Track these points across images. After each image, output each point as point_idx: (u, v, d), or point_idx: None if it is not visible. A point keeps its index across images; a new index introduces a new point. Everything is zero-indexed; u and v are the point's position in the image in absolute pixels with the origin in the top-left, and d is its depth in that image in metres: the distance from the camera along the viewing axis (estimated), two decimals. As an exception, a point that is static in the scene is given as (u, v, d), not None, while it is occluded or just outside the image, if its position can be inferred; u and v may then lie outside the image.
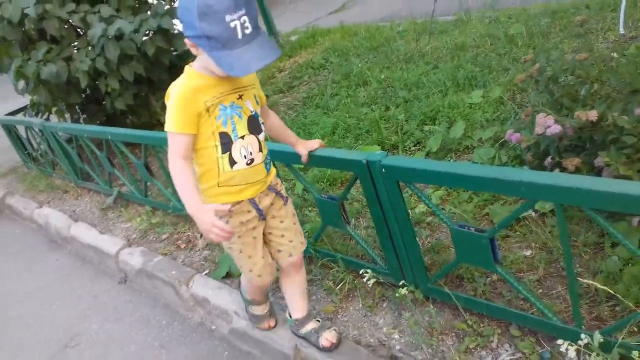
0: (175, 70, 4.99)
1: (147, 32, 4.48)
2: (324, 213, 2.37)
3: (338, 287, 2.41)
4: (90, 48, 4.35)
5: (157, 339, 2.78)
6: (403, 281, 2.10)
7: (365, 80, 4.82)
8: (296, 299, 2.18)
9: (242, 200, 1.84)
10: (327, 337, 2.09)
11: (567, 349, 1.53)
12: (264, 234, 1.98)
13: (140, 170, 3.59)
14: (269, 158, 1.91)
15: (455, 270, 2.20)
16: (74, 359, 2.83)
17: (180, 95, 1.66)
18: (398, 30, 5.93)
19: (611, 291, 1.67)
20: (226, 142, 1.74)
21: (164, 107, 5.22)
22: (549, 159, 2.22)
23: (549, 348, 1.76)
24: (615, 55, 2.56)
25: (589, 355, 1.59)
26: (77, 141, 4.28)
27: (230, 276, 2.83)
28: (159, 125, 5.04)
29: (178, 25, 4.74)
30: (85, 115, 5.23)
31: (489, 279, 2.13)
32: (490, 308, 1.93)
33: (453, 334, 2.01)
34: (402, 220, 1.97)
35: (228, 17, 1.49)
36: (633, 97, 2.29)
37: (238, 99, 1.76)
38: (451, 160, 3.12)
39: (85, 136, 3.99)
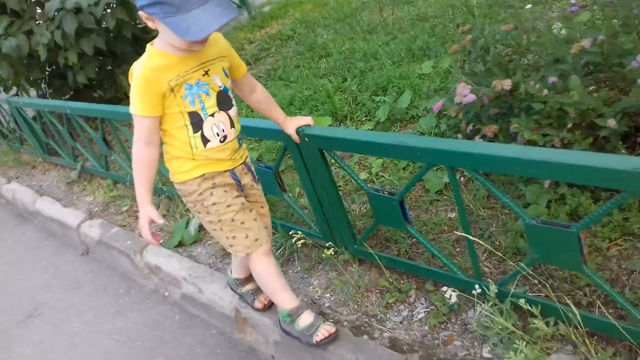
0: (139, 43, 5.04)
1: (108, 5, 4.51)
2: (263, 181, 2.48)
3: (278, 252, 2.54)
4: (49, 22, 4.38)
5: (113, 306, 2.92)
6: (330, 243, 2.23)
7: (327, 52, 4.88)
8: (243, 262, 2.16)
9: (224, 171, 1.82)
10: (261, 300, 2.20)
11: (450, 295, 1.68)
12: None
13: (99, 144, 3.67)
14: (241, 133, 1.87)
15: (383, 233, 2.33)
16: (37, 326, 2.96)
17: (142, 77, 1.61)
18: (363, 1, 5.96)
19: (490, 247, 1.80)
20: (196, 122, 1.70)
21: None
22: (470, 127, 2.34)
23: (457, 299, 1.90)
24: (539, 26, 2.65)
25: (487, 304, 1.73)
26: (40, 117, 4.34)
27: (182, 245, 2.95)
28: (126, 98, 5.06)
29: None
30: (51, 90, 5.27)
31: (413, 240, 2.26)
32: (407, 266, 2.06)
33: (377, 291, 2.15)
34: (327, 185, 2.08)
35: None
36: (555, 66, 2.40)
37: (204, 75, 1.69)
38: (397, 130, 3.22)
39: (47, 111, 4.05)
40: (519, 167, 1.43)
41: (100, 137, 3.58)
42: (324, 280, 2.33)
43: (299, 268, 2.45)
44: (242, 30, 6.85)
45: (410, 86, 3.54)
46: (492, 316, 1.71)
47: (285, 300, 1.99)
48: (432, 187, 2.56)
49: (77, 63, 4.52)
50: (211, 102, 1.72)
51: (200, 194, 1.80)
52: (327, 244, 2.24)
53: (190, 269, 2.65)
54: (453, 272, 1.87)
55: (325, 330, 1.90)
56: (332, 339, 1.90)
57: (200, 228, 2.97)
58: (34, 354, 2.76)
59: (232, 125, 1.79)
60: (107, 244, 3.19)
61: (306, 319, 1.95)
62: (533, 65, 2.68)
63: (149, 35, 5.14)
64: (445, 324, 1.91)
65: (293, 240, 2.30)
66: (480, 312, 1.75)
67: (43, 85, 5.26)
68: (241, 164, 1.88)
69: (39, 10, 4.71)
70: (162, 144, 1.79)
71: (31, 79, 5.05)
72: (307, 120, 1.99)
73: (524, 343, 1.60)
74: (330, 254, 2.16)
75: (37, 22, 4.60)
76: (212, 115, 1.72)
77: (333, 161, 2.18)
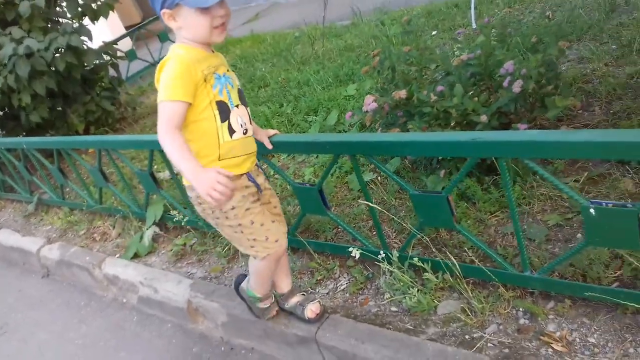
0: (88, 84, 5.36)
1: (57, 49, 4.84)
2: (301, 201, 2.72)
3: (224, 250, 2.89)
4: (2, 67, 4.66)
5: (76, 317, 3.17)
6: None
7: (266, 82, 5.33)
8: (280, 276, 2.22)
9: (242, 175, 1.86)
10: (312, 309, 2.16)
11: (354, 254, 2.10)
12: None
13: (55, 175, 3.95)
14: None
15: (314, 225, 2.72)
16: (4, 342, 3.18)
17: (182, 63, 1.66)
18: (296, 36, 6.49)
19: (391, 215, 2.22)
20: (224, 111, 1.75)
21: (80, 119, 5.55)
22: (379, 130, 2.79)
23: (371, 271, 2.30)
24: (431, 45, 3.16)
25: (392, 267, 2.14)
26: (-4, 155, 4.58)
27: (137, 256, 3.25)
28: (77, 134, 5.38)
29: (87, 43, 5.12)
30: (4, 132, 5.49)
31: (338, 229, 2.66)
32: (331, 247, 2.46)
33: (309, 272, 2.53)
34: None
35: None
36: (446, 78, 2.89)
37: (227, 70, 1.81)
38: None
39: (4, 148, 4.31)
40: (397, 148, 1.86)
41: (56, 168, 3.86)
42: (264, 271, 2.69)
43: (243, 264, 2.80)
44: (187, 68, 7.23)
45: (337, 106, 4.00)
46: (395, 275, 2.12)
47: (262, 289, 2.18)
48: (355, 186, 2.98)
49: (30, 104, 4.80)
50: (235, 95, 1.81)
51: None
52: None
53: (146, 274, 2.96)
54: (365, 246, 2.27)
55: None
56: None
57: (154, 240, 3.29)
58: (3, 365, 2.99)
59: (250, 122, 1.89)
60: (67, 262, 3.45)
61: (265, 303, 2.22)
62: (431, 78, 3.19)
63: (97, 75, 5.48)
64: (362, 290, 2.30)
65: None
66: (385, 273, 2.16)
67: (-4, 127, 5.48)
68: (254, 165, 1.96)
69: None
70: (186, 140, 1.75)
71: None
72: (274, 131, 2.20)
73: (417, 290, 2.01)
74: (266, 244, 2.53)
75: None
76: (237, 106, 1.81)
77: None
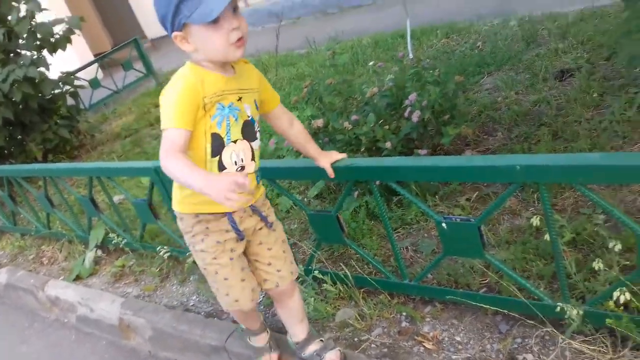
0: (46, 112, 5.55)
1: (15, 81, 5.03)
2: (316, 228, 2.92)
3: (158, 269, 3.08)
4: (-41, 98, 4.85)
5: (19, 337, 3.32)
6: (189, 253, 2.80)
7: (219, 110, 5.56)
8: (293, 323, 2.07)
9: (223, 215, 1.74)
10: (331, 358, 1.99)
11: None
12: (250, 260, 1.91)
13: (6, 201, 4.11)
14: (259, 172, 1.81)
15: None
16: (-52, 364, 3.31)
17: (185, 86, 1.56)
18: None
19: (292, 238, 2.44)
20: (217, 145, 1.65)
21: (39, 147, 5.69)
22: (302, 155, 3.02)
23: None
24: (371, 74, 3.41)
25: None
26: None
27: (80, 278, 3.42)
28: (36, 162, 5.54)
29: (46, 73, 5.33)
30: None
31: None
32: (249, 264, 2.66)
33: (230, 288, 2.73)
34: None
35: None
36: (364, 107, 3.15)
37: (238, 100, 1.67)
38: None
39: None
40: (300, 174, 2.09)
41: (7, 195, 4.03)
42: (192, 288, 2.88)
43: (175, 281, 2.99)
44: (149, 96, 7.45)
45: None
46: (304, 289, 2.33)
47: (250, 326, 2.12)
48: (284, 207, 3.20)
49: (-14, 133, 4.98)
50: (237, 129, 1.68)
51: (193, 236, 1.78)
52: (188, 253, 2.81)
53: (84, 294, 3.13)
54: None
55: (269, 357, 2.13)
56: None
57: (96, 262, 3.46)
58: (-55, 384, 3.11)
59: (253, 158, 1.74)
60: (14, 285, 3.60)
61: (259, 341, 2.14)
62: (356, 107, 3.44)
63: (55, 105, 5.67)
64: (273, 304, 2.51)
65: (160, 253, 2.85)
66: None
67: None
68: (249, 205, 1.80)
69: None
70: None
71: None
72: (342, 155, 1.99)
73: (313, 300, 2.22)
74: (192, 263, 2.73)
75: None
76: (235, 142, 1.68)
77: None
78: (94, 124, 6.62)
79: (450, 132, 2.65)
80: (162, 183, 2.65)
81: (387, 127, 2.88)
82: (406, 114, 2.73)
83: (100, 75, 8.29)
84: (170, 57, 9.98)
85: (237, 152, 1.69)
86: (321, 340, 2.05)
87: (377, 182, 2.02)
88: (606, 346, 1.70)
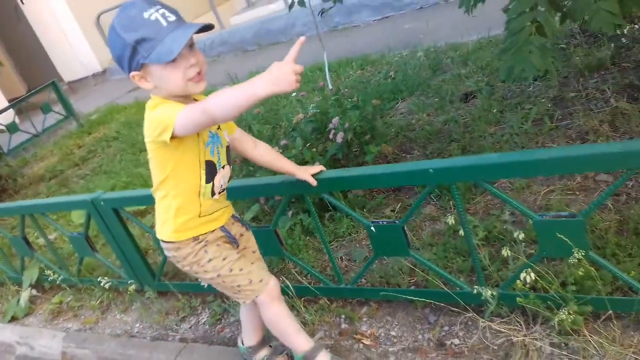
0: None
1: None
2: (75, 246, 3.07)
3: (98, 301, 3.10)
4: None
5: (-49, 386, 3.21)
6: (131, 281, 2.87)
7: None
8: (254, 327, 2.15)
9: (215, 229, 1.83)
10: None
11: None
12: None
13: None
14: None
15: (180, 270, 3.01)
16: None
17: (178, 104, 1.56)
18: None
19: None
20: (211, 171, 1.72)
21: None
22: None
23: (227, 303, 2.63)
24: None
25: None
26: None
27: (15, 319, 3.36)
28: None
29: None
30: None
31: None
32: (192, 287, 2.77)
33: (175, 311, 2.81)
34: (121, 237, 2.75)
35: (146, 14, 1.50)
36: (291, 133, 3.37)
37: (218, 129, 1.74)
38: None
39: None
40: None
41: None
42: (136, 316, 2.94)
43: (117, 311, 3.03)
44: (71, 137, 7.34)
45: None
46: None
47: (301, 342, 1.97)
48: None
49: None
50: (223, 155, 1.76)
51: (195, 255, 1.80)
52: (129, 282, 2.87)
53: (22, 333, 3.10)
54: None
55: None
56: None
57: (32, 301, 3.42)
58: None
59: (229, 180, 1.86)
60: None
61: (323, 359, 1.98)
62: (284, 133, 3.66)
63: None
64: (220, 320, 2.63)
65: (102, 284, 2.89)
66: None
67: None
68: (231, 215, 1.93)
69: None
70: (164, 199, 1.76)
71: None
72: (320, 167, 2.04)
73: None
74: (133, 290, 2.80)
75: None
76: (223, 167, 1.78)
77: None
78: (15, 168, 6.44)
79: (372, 150, 2.91)
80: (100, 215, 2.72)
81: (314, 149, 3.11)
82: (331, 136, 2.97)
83: (17, 119, 8.07)
84: (88, 100, 9.88)
85: (224, 177, 1.79)
86: (270, 346, 2.18)
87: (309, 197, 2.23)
88: (520, 324, 1.96)
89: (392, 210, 2.86)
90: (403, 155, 3.44)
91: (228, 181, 1.85)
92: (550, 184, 2.63)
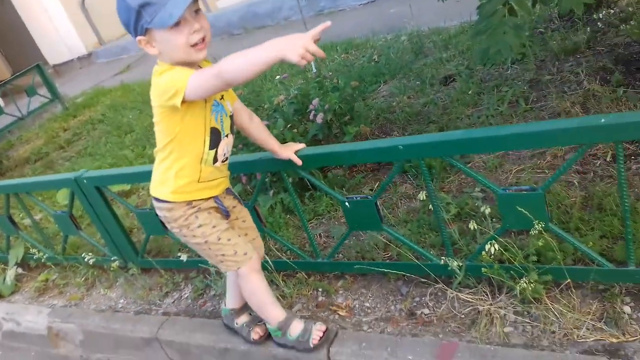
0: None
1: None
2: (59, 224, 3.12)
3: (83, 279, 3.17)
4: None
5: (-61, 362, 3.27)
6: (114, 257, 2.93)
7: (132, 129, 5.65)
8: (238, 291, 2.20)
9: (210, 198, 1.89)
10: (257, 331, 2.20)
11: (182, 258, 2.51)
12: None
13: None
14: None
15: (163, 247, 3.08)
16: None
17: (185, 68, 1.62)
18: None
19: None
20: (215, 139, 1.77)
21: None
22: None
23: (210, 279, 2.71)
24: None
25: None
26: None
27: (1, 297, 3.42)
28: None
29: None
30: None
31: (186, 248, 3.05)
32: (175, 263, 2.84)
33: (158, 287, 2.88)
34: (104, 215, 2.81)
35: None
36: (273, 114, 3.43)
37: (221, 98, 1.79)
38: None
39: None
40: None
41: None
42: (120, 292, 3.01)
43: (101, 288, 3.09)
44: (57, 120, 7.35)
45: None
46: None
47: (274, 314, 2.07)
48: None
49: None
50: (227, 124, 1.81)
51: (185, 219, 1.86)
52: (112, 259, 2.94)
53: (7, 309, 3.16)
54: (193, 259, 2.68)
55: (317, 330, 2.06)
56: (326, 337, 2.05)
57: (17, 279, 3.47)
58: None
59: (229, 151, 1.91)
60: None
61: (297, 327, 2.06)
62: (267, 115, 3.72)
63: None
64: (202, 295, 2.70)
65: (86, 260, 2.95)
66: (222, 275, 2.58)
67: None
68: (226, 188, 1.99)
69: None
70: (165, 160, 1.81)
71: None
72: (301, 145, 2.11)
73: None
74: (117, 267, 2.87)
75: None
76: (227, 136, 1.84)
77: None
78: (0, 151, 6.45)
79: (350, 130, 2.98)
80: (84, 194, 2.78)
81: (295, 130, 3.17)
82: (311, 117, 3.03)
83: (1, 102, 8.04)
84: (74, 83, 9.85)
85: (228, 145, 1.86)
86: (250, 314, 2.26)
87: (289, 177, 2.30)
88: (486, 294, 2.06)
89: (370, 189, 2.94)
90: (383, 136, 3.51)
91: (230, 151, 1.91)
92: (521, 163, 2.72)
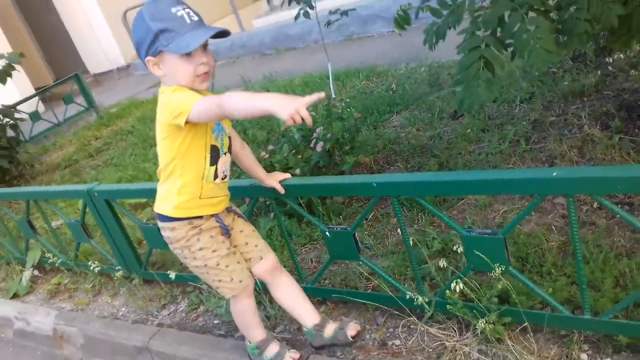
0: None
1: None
2: (72, 232, 3.32)
3: (91, 285, 3.36)
4: None
5: (-44, 354, 3.49)
6: (118, 267, 3.11)
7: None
8: (301, 305, 2.23)
9: (211, 216, 1.98)
10: (352, 327, 2.20)
11: (171, 276, 2.65)
12: None
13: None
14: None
15: (167, 261, 3.25)
16: None
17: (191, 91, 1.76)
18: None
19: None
20: (215, 155, 1.88)
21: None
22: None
23: (205, 295, 2.86)
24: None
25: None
26: None
27: (17, 296, 3.64)
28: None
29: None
30: None
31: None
32: (176, 277, 2.99)
33: (157, 299, 3.05)
34: (112, 226, 2.99)
35: (173, 10, 1.70)
36: (281, 140, 3.58)
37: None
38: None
39: None
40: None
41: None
42: (123, 301, 3.18)
43: (106, 295, 3.27)
44: (90, 129, 7.69)
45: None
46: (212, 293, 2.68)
47: (256, 334, 2.21)
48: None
49: None
50: (226, 143, 1.94)
51: (187, 240, 1.94)
52: (117, 269, 3.11)
53: (20, 309, 3.37)
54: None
55: (289, 357, 2.19)
56: None
57: (33, 281, 3.69)
58: None
59: (231, 169, 2.03)
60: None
61: (272, 349, 2.20)
62: (277, 139, 3.88)
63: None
64: (195, 310, 2.85)
65: (91, 268, 3.14)
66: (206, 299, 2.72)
67: None
68: (226, 207, 2.08)
69: None
70: (169, 177, 1.91)
71: None
72: (286, 175, 2.23)
73: (225, 303, 2.58)
74: (121, 276, 3.04)
75: None
76: (225, 154, 1.96)
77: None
78: (34, 155, 6.79)
79: (348, 160, 3.11)
80: (95, 205, 2.97)
81: (299, 156, 3.32)
82: (312, 145, 3.17)
83: (41, 108, 8.44)
84: (111, 93, 10.26)
85: (226, 163, 1.97)
86: (335, 320, 2.28)
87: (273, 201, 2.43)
88: (454, 330, 2.14)
89: (365, 219, 3.05)
90: (386, 166, 3.62)
91: (230, 170, 2.02)
92: (511, 204, 2.79)
